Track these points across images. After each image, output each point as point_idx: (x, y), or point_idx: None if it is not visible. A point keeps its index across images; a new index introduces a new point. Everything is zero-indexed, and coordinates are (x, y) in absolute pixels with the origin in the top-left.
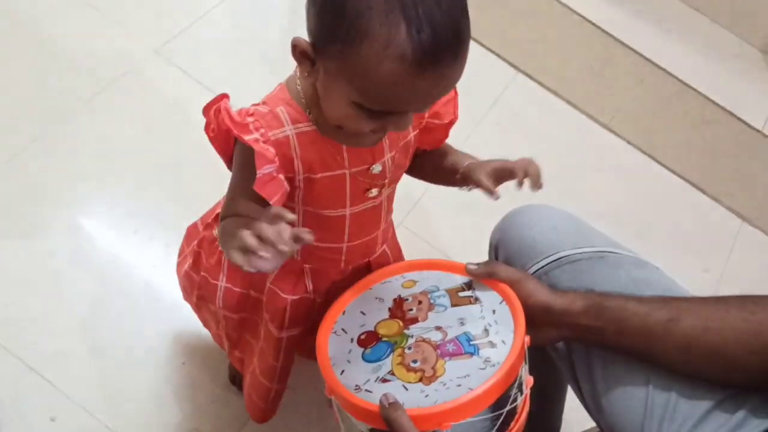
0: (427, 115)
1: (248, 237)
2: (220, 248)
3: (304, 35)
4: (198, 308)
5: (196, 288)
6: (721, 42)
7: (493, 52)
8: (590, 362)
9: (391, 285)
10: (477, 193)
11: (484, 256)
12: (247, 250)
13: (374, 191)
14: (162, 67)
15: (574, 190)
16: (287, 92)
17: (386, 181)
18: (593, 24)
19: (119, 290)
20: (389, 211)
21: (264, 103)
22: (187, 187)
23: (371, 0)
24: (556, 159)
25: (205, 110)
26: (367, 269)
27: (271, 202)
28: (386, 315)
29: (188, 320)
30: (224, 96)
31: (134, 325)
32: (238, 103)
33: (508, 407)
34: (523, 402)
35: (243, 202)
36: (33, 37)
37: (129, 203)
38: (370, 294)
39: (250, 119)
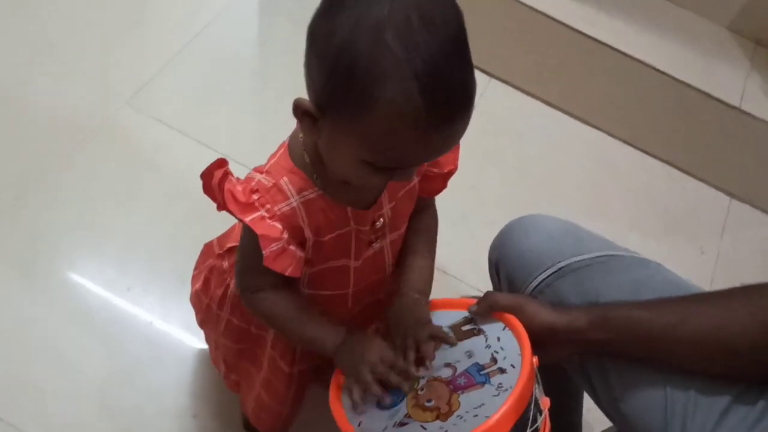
0: (426, 164)
1: (374, 387)
2: (228, 281)
3: (274, 66)
4: (202, 327)
5: (202, 311)
6: (688, 24)
7: None
8: (604, 371)
9: None
10: (470, 206)
11: (480, 267)
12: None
13: (376, 244)
14: (136, 117)
15: (564, 191)
16: (290, 158)
17: (386, 231)
18: (559, 22)
19: (121, 349)
20: (395, 253)
21: (268, 172)
22: (175, 235)
23: (384, 67)
24: (542, 161)
25: (204, 176)
26: (377, 305)
27: (287, 274)
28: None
29: (194, 371)
30: (222, 162)
31: (141, 384)
32: (223, 144)
33: (529, 429)
34: (543, 423)
35: (262, 276)
36: (2, 99)
37: (119, 259)
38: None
39: (255, 196)
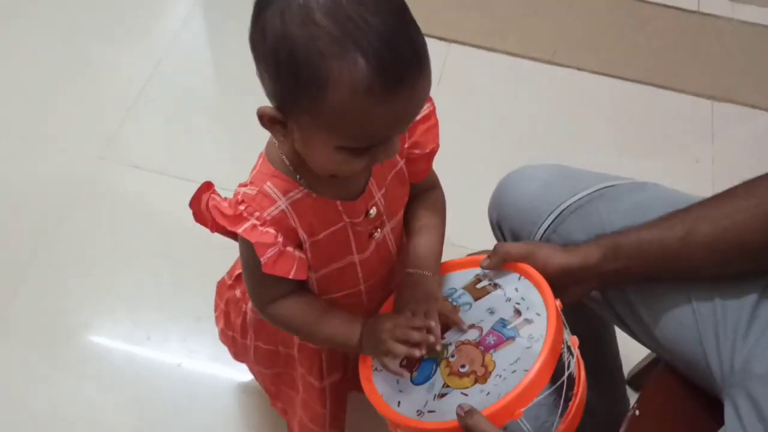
0: (407, 145)
1: (399, 347)
2: (244, 309)
3: (237, 83)
4: (240, 360)
5: (231, 345)
6: None
7: None
8: (628, 300)
9: None
10: (459, 173)
11: (483, 232)
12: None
13: (378, 233)
14: (113, 169)
15: (547, 135)
16: (269, 164)
17: (383, 219)
18: None
19: (155, 401)
20: (399, 241)
21: (251, 183)
22: (180, 274)
23: (320, 46)
24: (518, 111)
25: (193, 203)
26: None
27: (290, 277)
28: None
29: (233, 403)
30: (209, 186)
31: (182, 428)
32: (203, 173)
33: (566, 374)
34: (576, 364)
35: (271, 285)
36: None
37: (131, 311)
38: None
39: (241, 207)
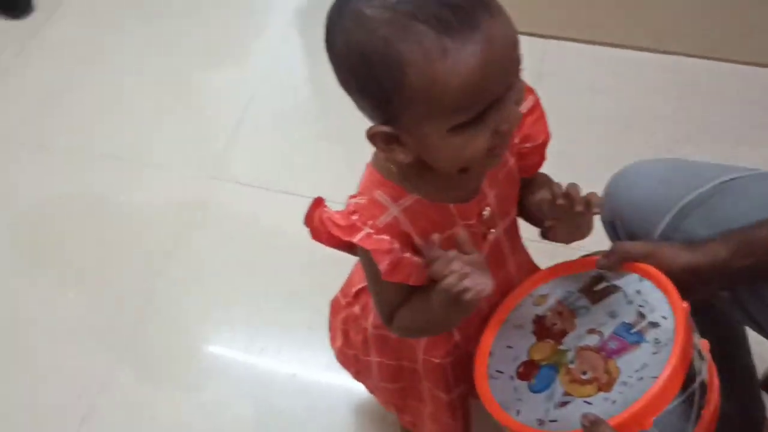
0: (517, 140)
1: (454, 285)
2: (364, 326)
3: (336, 98)
4: (360, 380)
5: (352, 364)
6: None
7: None
8: (761, 295)
9: (523, 309)
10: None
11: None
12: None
13: (491, 233)
14: (223, 188)
15: (657, 127)
16: (377, 173)
17: (496, 219)
18: None
19: (274, 412)
20: (513, 243)
21: (360, 193)
22: (291, 287)
23: (381, 35)
24: (623, 105)
25: (308, 220)
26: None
27: (410, 282)
28: (533, 339)
29: (350, 411)
30: (319, 202)
31: None
32: (310, 187)
33: (698, 380)
34: (708, 369)
35: (392, 292)
36: (102, 212)
37: (247, 324)
38: (507, 326)
39: (354, 217)
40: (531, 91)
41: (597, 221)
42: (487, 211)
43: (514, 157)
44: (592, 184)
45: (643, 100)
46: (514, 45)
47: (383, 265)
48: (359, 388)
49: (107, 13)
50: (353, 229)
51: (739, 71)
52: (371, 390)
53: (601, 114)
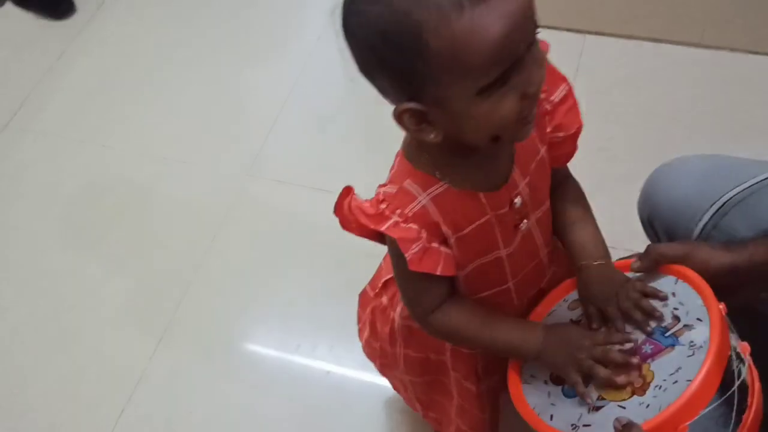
0: (550, 129)
1: (602, 370)
2: (392, 316)
3: (371, 96)
4: (384, 374)
5: (378, 356)
6: None
7: (549, 27)
8: None
9: (558, 313)
10: (604, 168)
11: (632, 229)
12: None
13: (524, 223)
14: (261, 185)
15: (698, 123)
16: (407, 162)
17: (528, 208)
18: None
19: (309, 408)
20: (546, 233)
21: (390, 182)
22: (326, 284)
23: (398, 7)
24: (662, 100)
25: (337, 209)
26: (541, 295)
27: (438, 272)
28: None
29: (381, 412)
30: (348, 190)
31: None
32: (351, 178)
33: (737, 384)
34: (749, 372)
35: (425, 285)
36: (144, 205)
37: (282, 321)
38: None
39: (383, 206)
40: (564, 79)
41: (635, 219)
42: (518, 200)
43: (546, 146)
44: (631, 180)
45: (683, 95)
46: (530, 2)
47: (409, 253)
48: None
49: (147, 14)
50: (381, 217)
51: None
52: (396, 387)
53: (640, 110)
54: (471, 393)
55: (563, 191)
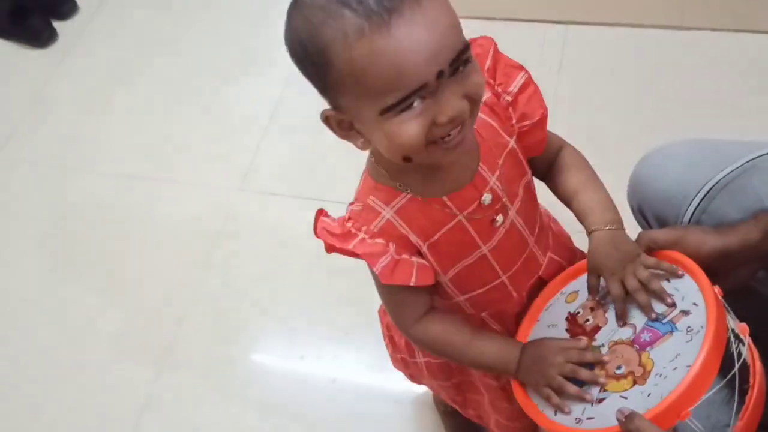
0: (514, 120)
1: (570, 387)
2: None
3: None
4: (417, 382)
5: (404, 368)
6: None
7: (531, 20)
8: None
9: (555, 307)
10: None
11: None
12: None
13: (499, 218)
14: (252, 199)
15: (684, 106)
16: (370, 178)
17: (503, 202)
18: None
19: (317, 418)
20: (530, 222)
21: (356, 200)
22: (325, 293)
23: (314, 21)
24: (648, 86)
25: (316, 234)
26: (542, 284)
27: (411, 283)
28: (567, 337)
29: (388, 416)
30: (320, 213)
31: None
32: (337, 192)
33: (737, 365)
34: (749, 352)
35: (407, 304)
36: (137, 228)
37: (285, 333)
38: (540, 325)
39: (348, 224)
40: (520, 68)
41: (626, 208)
42: (486, 197)
43: (514, 137)
44: (621, 169)
45: (667, 79)
46: (444, 32)
47: (377, 267)
48: (400, 390)
49: (129, 36)
50: (348, 236)
51: (761, 41)
52: (433, 389)
53: (626, 96)
54: (494, 388)
55: (559, 164)
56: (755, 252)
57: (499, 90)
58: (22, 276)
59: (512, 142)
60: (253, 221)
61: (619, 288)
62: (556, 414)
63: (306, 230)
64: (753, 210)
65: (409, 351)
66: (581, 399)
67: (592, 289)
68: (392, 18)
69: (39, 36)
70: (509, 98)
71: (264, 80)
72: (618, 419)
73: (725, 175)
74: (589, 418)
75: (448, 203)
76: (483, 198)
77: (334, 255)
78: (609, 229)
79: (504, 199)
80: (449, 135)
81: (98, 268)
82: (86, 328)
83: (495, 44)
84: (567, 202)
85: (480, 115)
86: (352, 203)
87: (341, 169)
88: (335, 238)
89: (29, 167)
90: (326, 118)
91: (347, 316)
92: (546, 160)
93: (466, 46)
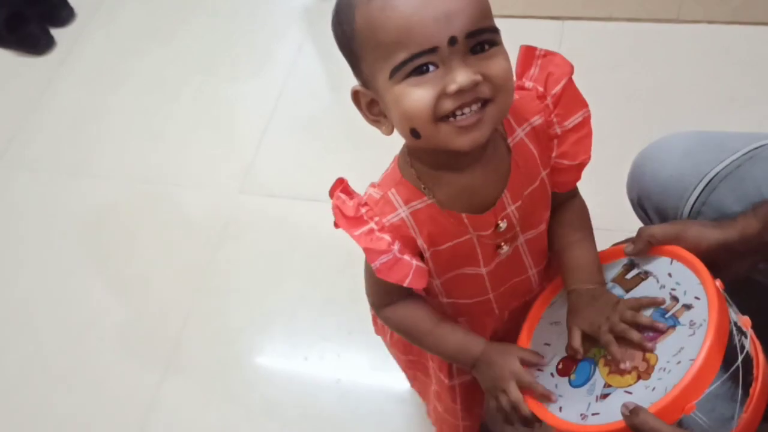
0: (555, 154)
1: (523, 406)
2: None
3: (350, 101)
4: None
5: (381, 333)
6: None
7: (527, 16)
8: None
9: (558, 304)
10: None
11: (622, 211)
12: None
13: (505, 247)
14: (254, 200)
15: (682, 100)
16: (398, 171)
17: (516, 231)
18: None
19: (322, 419)
20: (537, 255)
21: (379, 185)
22: (327, 293)
23: None
24: (645, 79)
25: (332, 195)
26: (527, 308)
27: (405, 284)
28: (565, 342)
29: (393, 416)
30: (340, 182)
31: None
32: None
33: (740, 358)
34: (752, 344)
35: (389, 291)
36: (139, 231)
37: (288, 334)
38: (543, 323)
39: (363, 210)
40: (584, 105)
41: (626, 202)
42: (503, 224)
43: (548, 170)
44: (620, 163)
45: (665, 73)
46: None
47: (376, 263)
48: (405, 390)
49: (126, 40)
50: (358, 221)
51: (763, 33)
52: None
53: (624, 91)
54: (444, 384)
55: (564, 213)
56: (755, 244)
57: (555, 120)
58: (25, 279)
59: (543, 174)
60: (255, 222)
61: (608, 336)
62: (561, 411)
63: (307, 230)
64: (752, 202)
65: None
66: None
67: (573, 340)
68: None
69: (37, 43)
70: (559, 131)
71: (262, 81)
72: (623, 414)
73: (725, 167)
74: (594, 414)
75: (466, 221)
76: (499, 225)
77: (335, 256)
78: (588, 288)
79: (517, 229)
80: (462, 112)
81: (101, 270)
82: (91, 329)
83: (572, 71)
84: (557, 252)
85: (524, 139)
86: (374, 185)
87: (341, 168)
88: (345, 219)
89: (29, 173)
90: (355, 94)
91: (350, 315)
92: (559, 199)
93: (493, 29)
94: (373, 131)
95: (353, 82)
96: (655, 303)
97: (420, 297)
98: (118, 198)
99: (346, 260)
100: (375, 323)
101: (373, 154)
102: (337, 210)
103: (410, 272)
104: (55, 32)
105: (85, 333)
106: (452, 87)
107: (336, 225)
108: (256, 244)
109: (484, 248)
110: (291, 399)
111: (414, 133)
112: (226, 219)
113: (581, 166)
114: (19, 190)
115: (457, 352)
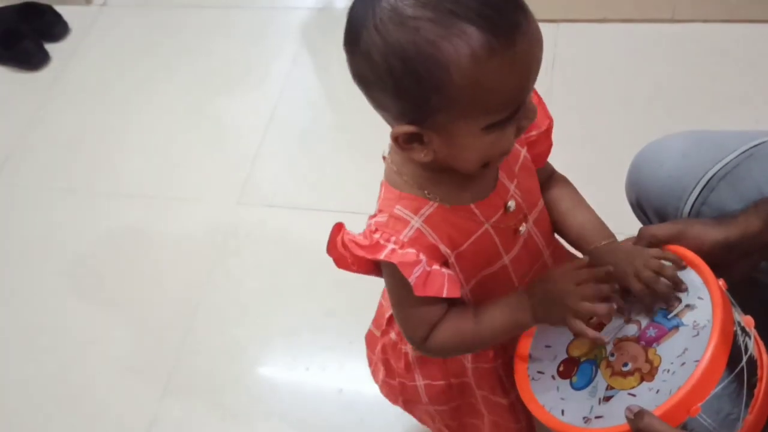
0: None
1: (600, 307)
2: (404, 350)
3: (352, 112)
4: (409, 410)
5: (399, 393)
6: None
7: None
8: None
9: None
10: (588, 156)
11: (621, 213)
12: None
13: (522, 227)
14: (252, 212)
15: (678, 100)
16: (393, 189)
17: (524, 211)
18: None
19: (324, 429)
20: (546, 234)
21: (380, 211)
22: (329, 303)
23: (426, 35)
24: (642, 80)
25: (330, 248)
26: None
27: (443, 295)
28: (571, 336)
29: (395, 424)
30: (340, 227)
31: None
32: (336, 202)
33: (744, 359)
34: (755, 345)
35: (425, 310)
36: (137, 248)
37: (288, 346)
38: (544, 325)
39: (376, 236)
40: None
41: (625, 204)
42: (511, 203)
43: (525, 147)
44: (617, 165)
45: (661, 73)
46: (541, 43)
47: (412, 278)
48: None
49: (120, 55)
50: (377, 247)
51: (759, 31)
52: (423, 420)
53: (620, 93)
54: (502, 407)
55: (551, 189)
56: (757, 242)
57: None
58: (22, 298)
59: (524, 152)
60: (254, 235)
61: (639, 285)
62: (563, 414)
63: (306, 241)
64: (752, 200)
65: (407, 374)
66: (620, 313)
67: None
68: (516, 34)
69: (31, 59)
70: None
71: (258, 93)
72: (627, 417)
73: (724, 165)
74: (597, 417)
75: (475, 211)
76: (508, 205)
77: (333, 265)
78: (606, 243)
79: (524, 207)
80: None
81: (101, 287)
82: (92, 347)
83: None
84: (558, 222)
85: None
86: (373, 216)
87: (338, 177)
88: (363, 249)
89: (25, 191)
90: (398, 137)
91: (350, 325)
92: (541, 178)
93: None
94: (369, 142)
95: (348, 93)
96: (676, 262)
97: (446, 310)
98: (115, 214)
99: (345, 271)
100: (382, 389)
101: (370, 162)
102: (352, 244)
103: (444, 281)
104: (49, 48)
105: (85, 351)
106: (526, 123)
107: (354, 267)
108: (256, 256)
109: (503, 235)
110: (293, 410)
111: (484, 165)
112: (224, 232)
113: (548, 131)
114: (15, 206)
115: (511, 317)
